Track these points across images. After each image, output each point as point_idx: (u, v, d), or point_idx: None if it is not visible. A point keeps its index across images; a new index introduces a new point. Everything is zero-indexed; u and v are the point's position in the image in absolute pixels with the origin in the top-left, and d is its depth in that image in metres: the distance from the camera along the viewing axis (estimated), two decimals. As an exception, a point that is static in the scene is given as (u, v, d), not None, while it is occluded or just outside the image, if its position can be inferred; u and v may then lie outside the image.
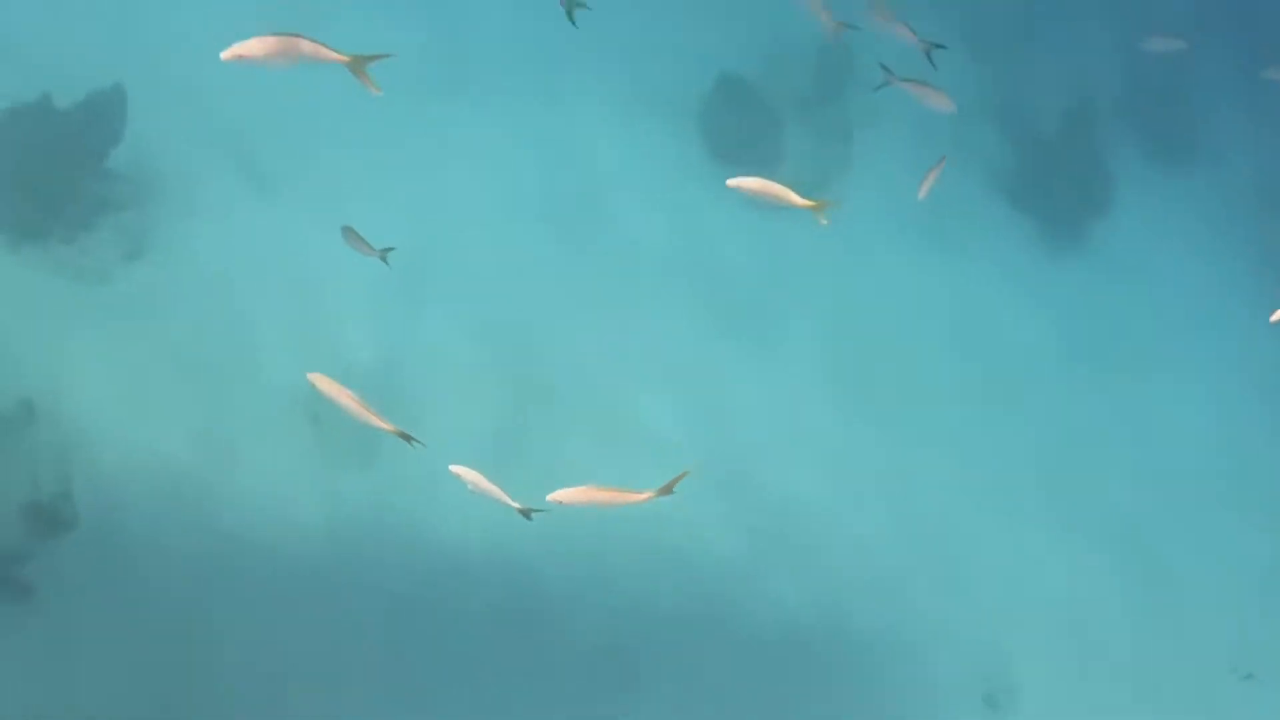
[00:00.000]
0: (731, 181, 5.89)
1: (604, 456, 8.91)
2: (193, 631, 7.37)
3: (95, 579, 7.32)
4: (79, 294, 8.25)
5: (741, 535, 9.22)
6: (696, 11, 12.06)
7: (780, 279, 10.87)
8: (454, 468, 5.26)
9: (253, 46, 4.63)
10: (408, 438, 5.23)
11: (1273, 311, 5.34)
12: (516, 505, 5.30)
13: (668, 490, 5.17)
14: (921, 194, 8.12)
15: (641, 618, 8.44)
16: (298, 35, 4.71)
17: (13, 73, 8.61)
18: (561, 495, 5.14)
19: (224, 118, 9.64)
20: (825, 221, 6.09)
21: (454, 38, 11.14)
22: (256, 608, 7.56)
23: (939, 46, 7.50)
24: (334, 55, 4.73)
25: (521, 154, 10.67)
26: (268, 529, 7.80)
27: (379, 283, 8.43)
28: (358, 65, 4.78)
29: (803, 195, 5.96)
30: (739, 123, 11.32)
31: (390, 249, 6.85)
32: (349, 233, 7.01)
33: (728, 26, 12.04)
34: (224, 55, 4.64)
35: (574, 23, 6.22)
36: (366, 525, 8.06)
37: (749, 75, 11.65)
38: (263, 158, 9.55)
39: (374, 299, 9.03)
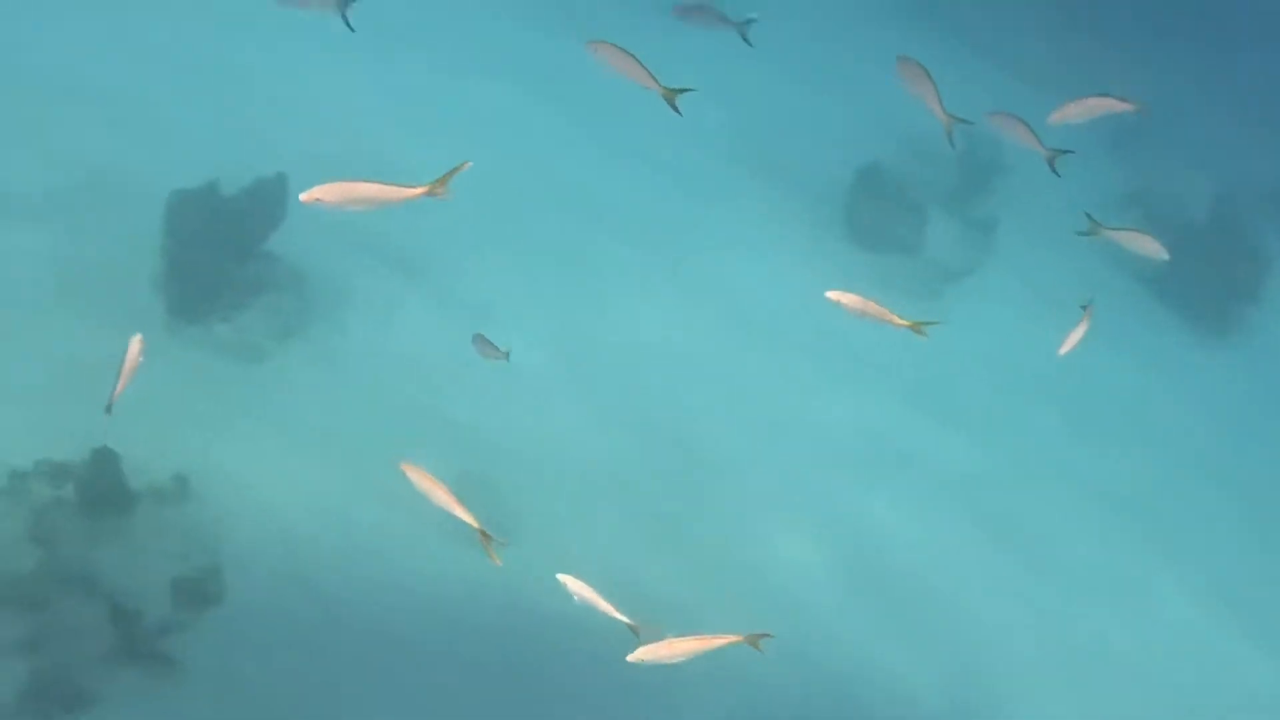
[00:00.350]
0: (831, 294, 5.63)
1: (747, 539, 8.67)
2: (333, 709, 7.31)
3: (240, 654, 7.32)
4: (234, 372, 8.44)
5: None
6: (842, 99, 12.20)
7: (927, 368, 10.56)
8: (561, 577, 5.20)
9: (328, 192, 4.61)
10: (488, 536, 5.13)
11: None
12: (626, 619, 5.11)
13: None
14: (1062, 351, 7.54)
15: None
16: (366, 182, 4.64)
17: (183, 158, 9.01)
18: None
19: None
20: (924, 337, 5.74)
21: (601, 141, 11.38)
22: (398, 688, 7.48)
23: (1065, 152, 6.79)
24: (410, 192, 4.60)
25: (665, 237, 10.71)
26: (410, 611, 7.74)
27: (519, 374, 8.51)
28: (436, 189, 4.55)
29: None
30: (881, 210, 11.21)
31: (509, 350, 6.95)
32: (480, 340, 7.15)
33: (873, 114, 12.12)
34: (303, 198, 4.65)
35: (749, 42, 6.13)
36: (504, 608, 7.94)
37: (893, 164, 11.63)
38: (414, 248, 9.82)
39: (514, 390, 9.07)
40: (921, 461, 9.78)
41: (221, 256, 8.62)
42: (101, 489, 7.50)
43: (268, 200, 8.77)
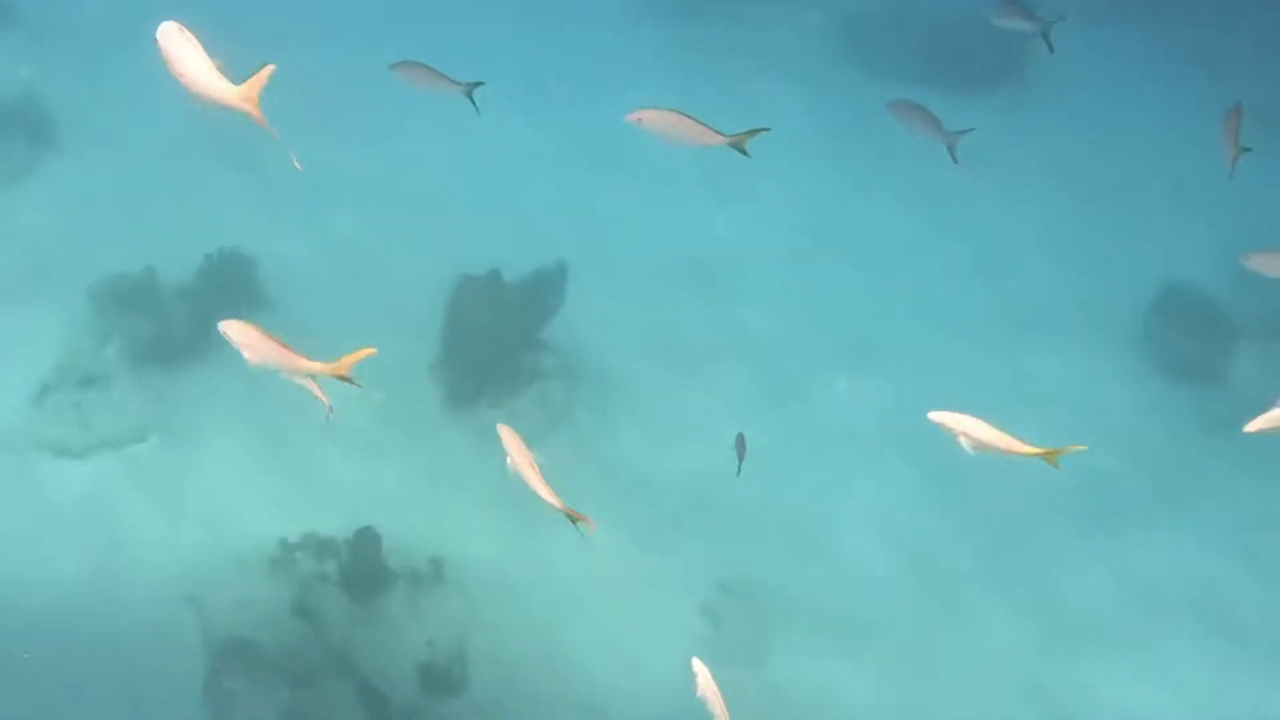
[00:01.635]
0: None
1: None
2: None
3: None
4: (500, 459, 8.32)
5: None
6: (1144, 217, 11.10)
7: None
8: (695, 661, 5.03)
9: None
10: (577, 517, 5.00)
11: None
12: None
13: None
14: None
15: None
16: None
17: (469, 247, 9.16)
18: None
19: (650, 301, 9.80)
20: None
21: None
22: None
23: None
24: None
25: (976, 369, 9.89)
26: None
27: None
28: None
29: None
30: (1186, 337, 9.82)
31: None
32: (740, 442, 6.92)
33: (1179, 233, 10.97)
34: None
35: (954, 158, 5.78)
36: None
37: (1202, 286, 10.27)
38: (680, 343, 9.58)
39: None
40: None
41: (497, 344, 8.58)
42: (362, 567, 7.56)
43: (548, 290, 8.71)
